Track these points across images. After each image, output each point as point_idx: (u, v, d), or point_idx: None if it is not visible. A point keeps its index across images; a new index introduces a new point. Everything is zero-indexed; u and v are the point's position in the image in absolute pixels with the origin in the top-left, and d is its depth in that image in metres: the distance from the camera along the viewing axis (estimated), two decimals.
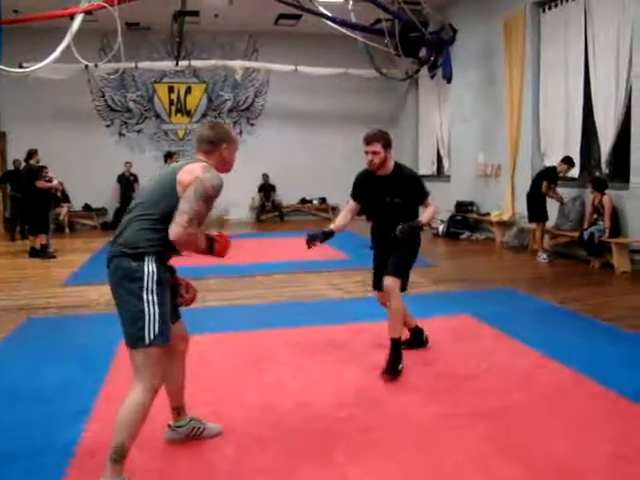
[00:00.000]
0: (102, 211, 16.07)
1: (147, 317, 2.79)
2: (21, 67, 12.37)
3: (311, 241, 4.43)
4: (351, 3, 12.10)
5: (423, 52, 12.68)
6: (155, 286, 2.81)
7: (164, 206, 2.81)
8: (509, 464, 3.05)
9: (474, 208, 12.64)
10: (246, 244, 11.82)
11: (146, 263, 2.80)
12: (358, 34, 12.63)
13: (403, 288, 4.44)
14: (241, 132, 16.71)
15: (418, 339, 4.98)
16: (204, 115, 16.63)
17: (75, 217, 15.63)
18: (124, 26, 13.94)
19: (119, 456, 2.73)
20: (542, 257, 9.37)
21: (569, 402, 3.85)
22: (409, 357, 4.69)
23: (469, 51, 12.76)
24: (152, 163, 15.98)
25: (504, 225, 11.46)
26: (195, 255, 3.08)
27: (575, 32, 9.81)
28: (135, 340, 2.82)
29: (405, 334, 4.80)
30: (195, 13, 13.96)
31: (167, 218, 2.78)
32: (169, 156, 11.31)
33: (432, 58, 12.45)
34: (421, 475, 3.00)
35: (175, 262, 3.10)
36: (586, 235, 8.67)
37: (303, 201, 16.89)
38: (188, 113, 16.54)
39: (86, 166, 15.42)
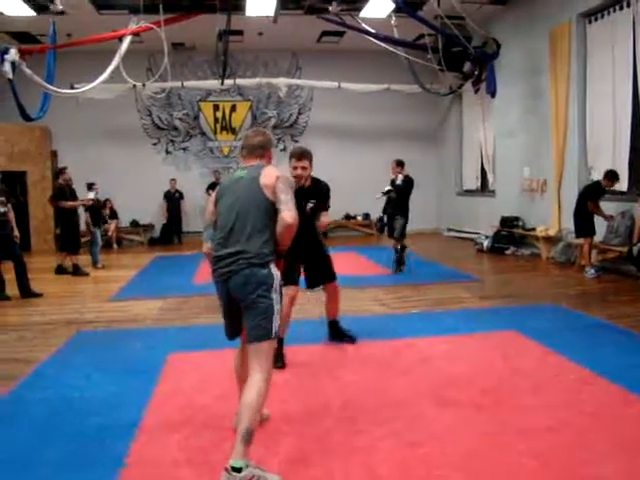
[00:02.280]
0: (149, 227, 16.36)
1: (275, 313, 3.25)
2: (72, 88, 12.73)
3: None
4: (394, 19, 12.16)
5: (467, 67, 12.65)
6: (279, 287, 3.31)
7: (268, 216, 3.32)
8: None
9: (519, 223, 12.48)
10: None
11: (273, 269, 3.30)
12: (401, 50, 12.68)
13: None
14: (285, 149, 16.83)
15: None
16: None
17: (123, 233, 15.92)
18: (170, 46, 14.25)
19: (250, 437, 3.03)
20: (590, 272, 9.20)
21: (617, 421, 3.76)
22: (454, 374, 4.67)
23: (514, 65, 12.66)
24: (198, 180, 16.32)
25: (550, 240, 11.29)
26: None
27: (622, 43, 9.65)
28: (266, 333, 3.24)
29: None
30: (239, 32, 14.17)
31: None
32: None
33: (476, 72, 12.40)
34: None
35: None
36: (635, 250, 8.49)
37: (347, 217, 16.89)
38: (233, 131, 16.76)
39: (133, 183, 15.75)
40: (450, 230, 15.99)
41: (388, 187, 9.76)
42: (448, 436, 3.59)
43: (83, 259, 10.96)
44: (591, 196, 9.27)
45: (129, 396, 4.34)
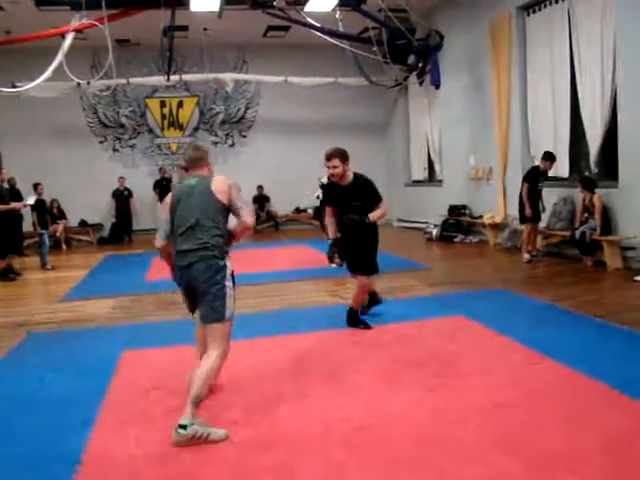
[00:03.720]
0: (98, 226, 16.15)
1: (228, 298, 3.79)
2: (14, 86, 12.47)
3: (332, 258, 5.84)
4: (338, 13, 12.24)
5: (411, 59, 12.84)
6: (232, 276, 3.87)
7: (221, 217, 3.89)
8: (506, 457, 3.14)
9: (467, 211, 12.75)
10: (241, 254, 11.93)
11: (227, 260, 3.86)
12: (346, 43, 12.77)
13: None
14: (234, 144, 16.86)
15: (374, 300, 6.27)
16: (196, 128, 16.78)
17: (72, 233, 15.66)
18: (114, 43, 14.06)
19: (198, 401, 3.57)
20: (525, 257, 9.49)
21: (561, 397, 3.94)
22: (405, 358, 4.81)
23: (457, 56, 12.90)
24: (146, 177, 16.18)
25: (497, 227, 11.58)
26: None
27: (560, 35, 9.97)
28: (220, 317, 3.75)
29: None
30: (184, 28, 14.07)
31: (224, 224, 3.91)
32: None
33: (420, 65, 12.59)
34: (421, 468, 3.09)
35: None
36: (577, 234, 8.79)
37: (297, 210, 16.97)
38: (181, 127, 16.67)
39: (81, 182, 15.54)
40: (400, 220, 16.21)
41: (318, 191, 9.82)
42: (399, 417, 3.72)
43: (32, 261, 10.81)
44: (528, 180, 9.48)
45: (83, 394, 4.34)
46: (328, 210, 5.81)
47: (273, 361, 4.96)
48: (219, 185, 3.90)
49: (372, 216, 5.46)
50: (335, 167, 5.37)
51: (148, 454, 3.35)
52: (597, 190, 8.82)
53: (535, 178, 9.44)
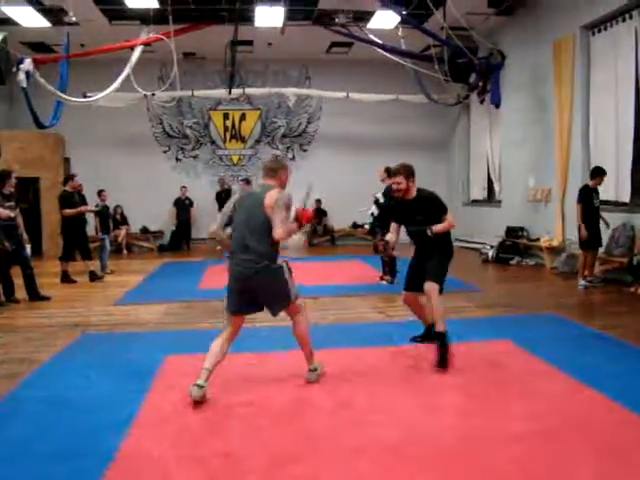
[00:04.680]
0: (159, 234, 16.59)
1: (291, 288, 4.53)
2: (85, 97, 12.98)
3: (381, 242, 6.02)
4: (400, 30, 12.33)
5: (473, 78, 12.78)
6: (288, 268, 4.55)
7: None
8: None
9: (524, 233, 12.55)
10: (297, 267, 12.03)
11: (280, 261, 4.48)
12: (408, 61, 12.83)
13: (440, 291, 5.36)
14: (294, 157, 17.05)
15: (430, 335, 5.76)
16: (258, 141, 17.07)
17: (133, 239, 16.14)
18: (181, 56, 14.52)
19: (311, 353, 4.77)
20: (580, 284, 9.23)
21: (600, 428, 3.85)
22: (447, 379, 4.79)
23: (519, 76, 12.76)
24: (207, 187, 16.53)
25: (554, 251, 11.36)
26: None
27: (625, 54, 9.75)
28: (287, 303, 4.58)
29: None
30: (249, 42, 14.40)
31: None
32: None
33: (480, 84, 12.52)
34: None
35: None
36: (635, 261, 8.55)
37: (355, 226, 17.00)
38: (242, 139, 17.00)
39: (144, 190, 16.02)
40: (457, 240, 16.03)
41: (373, 208, 9.77)
42: (433, 440, 3.70)
43: (93, 265, 11.12)
44: (580, 200, 9.18)
45: (125, 395, 4.48)
46: (392, 225, 5.83)
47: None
48: (269, 199, 4.34)
49: (435, 228, 5.38)
50: (399, 184, 5.44)
51: (180, 456, 3.45)
52: None
53: (588, 196, 9.14)
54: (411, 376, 4.96)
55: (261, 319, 5.58)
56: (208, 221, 15.91)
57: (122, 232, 15.31)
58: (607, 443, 3.62)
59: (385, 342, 6.07)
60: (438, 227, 5.39)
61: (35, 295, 8.76)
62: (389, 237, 5.72)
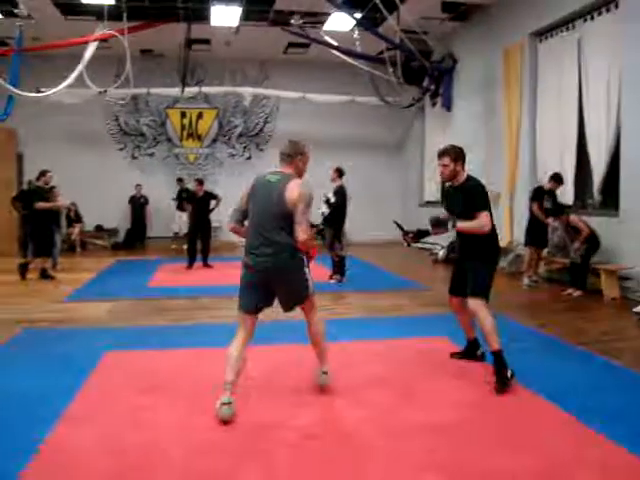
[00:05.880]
0: (113, 231, 16.49)
1: (309, 281, 4.28)
2: (38, 92, 12.85)
3: (407, 235, 5.05)
4: (356, 33, 12.47)
5: (426, 81, 12.99)
6: (307, 261, 4.28)
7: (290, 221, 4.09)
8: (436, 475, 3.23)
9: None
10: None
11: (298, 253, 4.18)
12: (363, 63, 12.98)
13: (487, 299, 4.82)
14: (250, 157, 17.11)
15: (473, 351, 5.39)
16: (215, 140, 17.09)
17: (87, 237, 15.99)
18: (139, 53, 14.47)
19: (325, 353, 4.54)
20: (525, 282, 9.50)
21: (518, 420, 4.02)
22: (368, 376, 4.91)
23: (471, 80, 13.02)
24: (163, 185, 16.46)
25: (501, 252, 11.57)
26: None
27: (569, 63, 10.05)
28: (306, 295, 4.31)
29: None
30: (206, 41, 14.41)
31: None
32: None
33: (433, 87, 12.73)
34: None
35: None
36: (575, 259, 8.84)
37: (312, 225, 17.04)
38: (199, 138, 17.00)
39: (99, 187, 15.87)
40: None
41: (323, 207, 9.83)
42: (354, 432, 3.81)
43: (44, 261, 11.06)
44: (535, 198, 9.52)
45: (58, 390, 4.49)
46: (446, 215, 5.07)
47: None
48: (291, 192, 4.03)
49: (460, 224, 4.73)
50: (445, 165, 4.91)
51: (106, 449, 3.50)
52: (597, 218, 8.87)
53: (539, 196, 9.48)
54: (343, 371, 5.04)
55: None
56: (163, 219, 15.99)
57: (76, 230, 15.15)
58: (514, 429, 3.83)
59: (328, 339, 6.14)
60: (463, 225, 4.73)
61: None
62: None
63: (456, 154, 4.92)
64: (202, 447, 3.56)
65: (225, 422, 3.87)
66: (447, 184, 5.23)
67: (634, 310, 7.51)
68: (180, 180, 16.06)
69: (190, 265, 11.58)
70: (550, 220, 9.33)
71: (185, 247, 12.49)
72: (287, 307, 4.36)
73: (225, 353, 4.11)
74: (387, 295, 8.75)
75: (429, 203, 16.27)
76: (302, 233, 4.03)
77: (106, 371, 5.04)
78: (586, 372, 5.08)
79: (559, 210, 8.96)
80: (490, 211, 4.78)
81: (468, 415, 4.08)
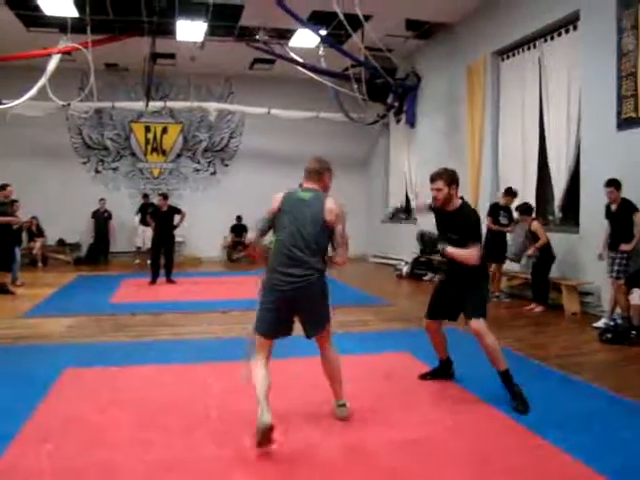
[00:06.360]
0: (76, 246, 16.24)
1: (331, 307, 4.18)
2: (0, 104, 12.67)
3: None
4: (322, 49, 12.54)
5: (390, 98, 13.11)
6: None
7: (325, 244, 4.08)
8: None
9: (437, 250, 12.86)
10: (213, 282, 12.06)
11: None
12: (328, 80, 13.05)
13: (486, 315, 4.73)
14: (215, 172, 17.07)
15: (446, 370, 5.29)
16: (179, 155, 17.01)
17: (49, 251, 15.73)
18: (103, 66, 14.37)
19: (342, 385, 4.31)
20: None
21: (479, 435, 4.04)
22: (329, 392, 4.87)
23: (435, 97, 13.19)
24: (127, 200, 16.32)
25: None
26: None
27: (530, 82, 10.26)
28: (327, 321, 4.18)
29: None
30: (172, 56, 14.37)
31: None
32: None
33: (396, 104, 12.85)
34: None
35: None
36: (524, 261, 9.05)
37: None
38: (164, 152, 16.90)
39: (61, 201, 15.65)
40: (375, 256, 16.35)
41: None
42: (308, 449, 3.79)
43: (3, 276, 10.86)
44: (489, 214, 9.70)
45: (15, 408, 4.38)
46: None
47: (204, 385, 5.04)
48: (330, 213, 3.97)
49: (452, 250, 4.64)
50: (439, 190, 4.66)
51: (57, 469, 3.42)
52: (558, 234, 9.01)
53: (495, 212, 9.65)
54: (310, 388, 5.01)
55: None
56: (127, 234, 15.82)
57: (37, 244, 14.90)
58: (484, 449, 3.80)
59: (284, 354, 6.10)
60: (457, 251, 4.62)
61: None
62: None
63: (450, 177, 4.69)
64: (163, 465, 3.50)
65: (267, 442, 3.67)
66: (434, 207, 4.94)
67: (594, 325, 7.65)
68: (146, 196, 15.94)
69: (153, 280, 11.45)
70: (511, 227, 9.50)
71: (149, 262, 12.36)
72: (312, 332, 4.17)
73: (252, 378, 3.94)
74: (353, 310, 8.74)
75: (393, 219, 16.38)
76: (342, 257, 4.04)
77: (65, 388, 4.94)
78: (545, 387, 5.11)
79: (529, 210, 9.12)
80: (481, 241, 4.74)
81: (432, 432, 4.09)
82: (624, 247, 7.56)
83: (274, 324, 4.05)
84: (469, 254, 4.57)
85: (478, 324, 4.63)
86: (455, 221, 4.68)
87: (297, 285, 3.92)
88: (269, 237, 4.14)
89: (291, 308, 4.04)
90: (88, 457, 3.59)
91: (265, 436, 3.62)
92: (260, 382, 3.87)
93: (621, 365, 6.01)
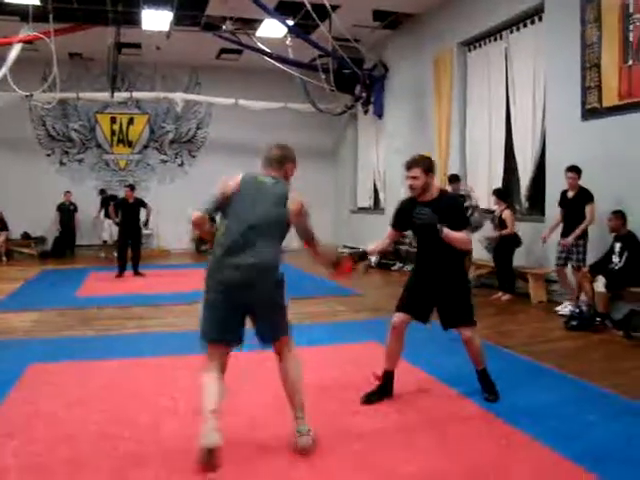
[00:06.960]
0: (41, 240, 15.99)
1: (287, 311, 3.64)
2: None
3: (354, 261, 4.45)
4: (289, 40, 12.48)
5: (357, 88, 13.11)
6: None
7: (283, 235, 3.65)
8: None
9: (406, 240, 12.94)
10: (181, 274, 11.96)
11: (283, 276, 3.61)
12: (295, 70, 13.00)
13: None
14: (182, 163, 16.92)
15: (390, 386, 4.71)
16: (146, 146, 16.82)
17: (13, 245, 15.45)
18: (67, 56, 14.11)
19: (304, 404, 3.64)
20: None
21: (445, 422, 4.07)
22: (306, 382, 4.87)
23: (402, 88, 13.21)
24: (93, 192, 16.07)
25: None
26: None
27: (497, 72, 10.34)
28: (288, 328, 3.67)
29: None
30: (137, 45, 14.17)
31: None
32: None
33: (364, 94, 12.86)
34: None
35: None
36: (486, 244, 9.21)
37: None
38: (130, 144, 16.70)
39: (25, 194, 15.38)
40: (344, 247, 16.35)
41: None
42: (276, 438, 3.76)
43: None
44: None
45: None
46: (390, 233, 4.78)
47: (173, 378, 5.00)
48: (294, 204, 3.61)
49: (448, 231, 4.21)
50: (415, 178, 4.33)
51: (22, 466, 3.37)
52: (525, 224, 9.12)
53: None
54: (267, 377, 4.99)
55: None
56: (93, 227, 15.62)
57: (1, 238, 14.62)
58: (452, 435, 3.84)
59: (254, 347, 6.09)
60: (454, 234, 4.24)
61: None
62: (371, 248, 4.78)
63: (428, 165, 4.37)
64: (131, 460, 3.47)
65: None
66: (406, 200, 4.65)
67: (557, 310, 7.77)
68: (103, 191, 15.79)
69: (120, 273, 11.32)
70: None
71: (115, 254, 12.21)
72: (266, 339, 3.65)
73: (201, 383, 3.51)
74: (322, 301, 8.76)
75: (362, 209, 16.42)
76: (319, 250, 3.79)
77: (31, 384, 4.87)
78: (512, 374, 5.18)
79: (505, 195, 9.33)
80: (470, 224, 4.57)
81: (399, 420, 4.12)
82: (564, 242, 7.76)
83: (222, 327, 3.50)
84: (465, 237, 4.33)
85: (472, 331, 4.52)
86: (439, 211, 4.22)
87: (247, 278, 3.41)
88: (217, 222, 3.74)
89: (242, 305, 3.49)
90: (54, 453, 3.54)
91: (210, 460, 3.15)
92: (211, 396, 3.37)
93: (586, 351, 6.12)
